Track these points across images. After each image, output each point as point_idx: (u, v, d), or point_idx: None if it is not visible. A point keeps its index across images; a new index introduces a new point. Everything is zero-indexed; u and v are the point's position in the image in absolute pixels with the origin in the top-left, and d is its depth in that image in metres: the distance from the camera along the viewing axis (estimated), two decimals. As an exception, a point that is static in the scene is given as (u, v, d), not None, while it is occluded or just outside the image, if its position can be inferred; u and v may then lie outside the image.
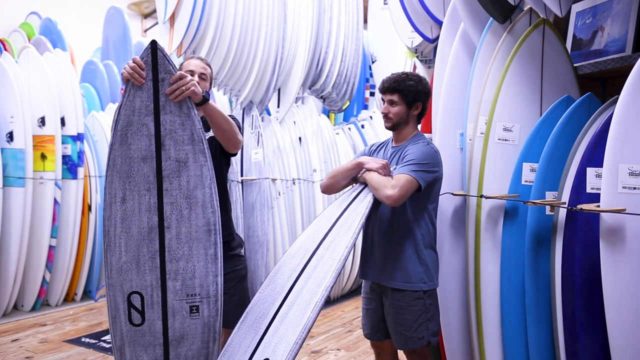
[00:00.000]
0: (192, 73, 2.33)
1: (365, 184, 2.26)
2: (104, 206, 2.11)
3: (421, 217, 2.26)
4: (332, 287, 1.99)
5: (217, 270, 2.13)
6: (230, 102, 5.45)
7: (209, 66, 2.44)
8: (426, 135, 2.56)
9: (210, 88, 2.46)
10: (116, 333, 2.15)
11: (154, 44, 2.01)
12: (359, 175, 2.28)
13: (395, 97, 2.27)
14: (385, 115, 2.31)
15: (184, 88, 2.01)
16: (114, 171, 2.09)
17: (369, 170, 2.23)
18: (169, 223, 2.09)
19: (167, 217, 2.09)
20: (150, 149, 2.07)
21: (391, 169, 2.27)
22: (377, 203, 2.24)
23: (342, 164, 2.35)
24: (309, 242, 2.17)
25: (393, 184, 2.12)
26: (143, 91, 2.04)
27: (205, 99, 2.10)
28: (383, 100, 2.33)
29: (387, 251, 2.27)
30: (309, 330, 1.93)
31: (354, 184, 2.35)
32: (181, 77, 2.01)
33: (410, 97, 2.27)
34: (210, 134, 2.30)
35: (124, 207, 2.09)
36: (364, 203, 2.19)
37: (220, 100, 5.45)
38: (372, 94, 6.26)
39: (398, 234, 2.26)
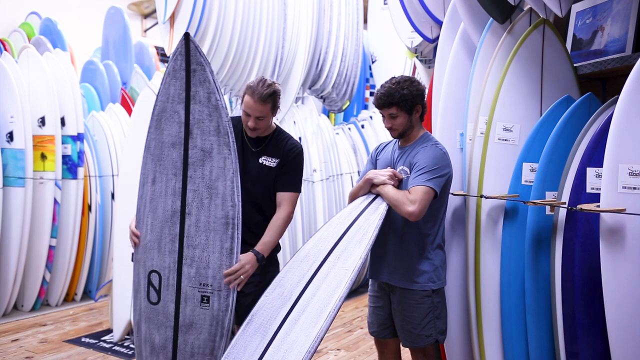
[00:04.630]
0: (248, 114, 2.27)
1: (377, 194, 2.26)
2: (139, 185, 2.23)
3: (432, 218, 2.26)
4: (344, 297, 1.99)
5: (232, 264, 2.16)
6: (231, 102, 5.45)
7: (272, 98, 2.26)
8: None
9: (274, 114, 2.34)
10: (136, 307, 2.27)
11: (187, 36, 2.11)
12: (372, 191, 2.28)
13: (393, 111, 2.26)
14: (390, 129, 2.30)
15: (238, 281, 2.18)
16: (148, 153, 2.21)
17: (378, 184, 2.24)
18: (190, 209, 2.16)
19: (189, 203, 2.16)
20: (179, 135, 2.16)
21: (399, 169, 2.28)
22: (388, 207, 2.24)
23: (356, 185, 2.34)
24: (318, 248, 2.16)
25: (412, 199, 2.12)
26: (177, 80, 2.14)
27: (259, 262, 2.26)
28: (383, 115, 2.31)
29: (398, 252, 2.28)
30: (322, 340, 1.93)
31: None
32: (234, 271, 2.16)
33: (408, 105, 2.25)
34: (267, 161, 2.34)
35: (154, 188, 2.19)
36: (377, 214, 2.18)
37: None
38: (372, 94, 6.27)
39: (409, 235, 2.26)
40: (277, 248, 2.46)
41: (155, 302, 2.20)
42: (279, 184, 2.36)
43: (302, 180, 2.46)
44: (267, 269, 2.34)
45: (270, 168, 2.34)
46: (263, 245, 2.27)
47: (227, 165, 2.14)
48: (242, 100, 2.30)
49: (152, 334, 2.21)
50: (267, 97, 2.24)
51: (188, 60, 2.13)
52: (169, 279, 2.17)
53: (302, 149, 2.42)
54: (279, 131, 2.42)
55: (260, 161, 2.34)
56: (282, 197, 2.35)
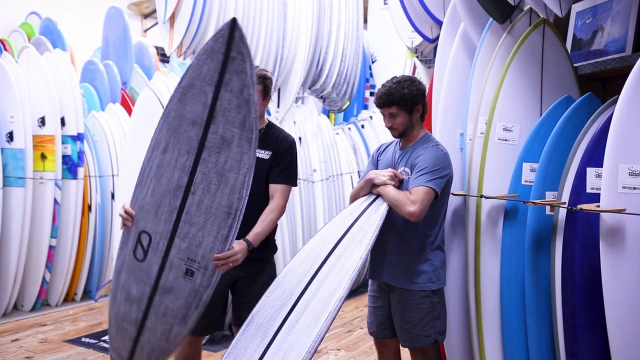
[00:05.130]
0: None
1: (378, 194, 2.27)
2: (148, 147, 2.20)
3: (432, 219, 2.26)
4: (345, 298, 1.99)
5: (224, 251, 2.16)
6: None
7: (261, 80, 2.32)
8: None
9: (265, 102, 2.38)
10: (119, 257, 2.28)
11: (234, 21, 2.03)
12: (373, 191, 2.28)
13: (394, 110, 2.27)
14: (390, 128, 2.31)
15: (226, 267, 2.14)
16: (165, 121, 2.17)
17: (379, 185, 2.24)
18: (195, 189, 2.13)
19: (195, 184, 2.13)
20: (202, 116, 2.11)
21: (400, 170, 2.29)
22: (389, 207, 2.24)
23: (357, 185, 2.35)
24: (319, 248, 2.16)
25: (412, 199, 2.13)
26: (213, 61, 2.07)
27: (250, 250, 2.24)
28: (383, 114, 2.32)
29: (399, 252, 2.28)
30: (322, 340, 1.93)
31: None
32: (225, 257, 2.13)
33: (408, 104, 2.26)
34: (260, 153, 2.35)
35: (163, 156, 2.16)
36: (377, 214, 2.18)
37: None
38: (372, 94, 6.27)
39: (409, 235, 2.27)
40: (274, 249, 2.46)
41: (140, 259, 2.20)
42: (272, 175, 2.37)
43: (299, 178, 2.46)
44: (265, 269, 2.34)
45: (263, 160, 2.35)
46: (254, 235, 2.28)
47: (244, 160, 2.09)
48: None
49: (131, 285, 2.23)
50: (257, 77, 2.28)
51: (229, 45, 2.04)
52: (159, 244, 2.17)
53: (294, 141, 2.43)
54: (271, 125, 2.44)
55: (261, 157, 2.34)
56: (275, 189, 2.36)
